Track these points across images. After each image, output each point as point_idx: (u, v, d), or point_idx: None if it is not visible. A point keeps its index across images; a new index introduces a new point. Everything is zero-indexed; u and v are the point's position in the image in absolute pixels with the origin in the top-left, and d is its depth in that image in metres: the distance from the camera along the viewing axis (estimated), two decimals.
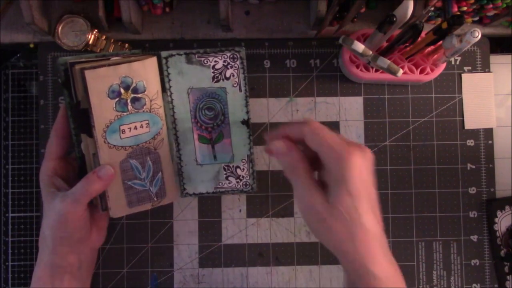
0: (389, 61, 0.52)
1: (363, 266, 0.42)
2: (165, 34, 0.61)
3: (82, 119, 0.50)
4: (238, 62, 0.54)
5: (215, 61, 0.53)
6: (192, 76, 0.54)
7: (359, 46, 0.51)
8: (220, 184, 0.56)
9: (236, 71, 0.54)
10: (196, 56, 0.53)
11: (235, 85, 0.54)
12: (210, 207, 0.61)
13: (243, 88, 0.54)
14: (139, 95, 0.51)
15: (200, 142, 0.55)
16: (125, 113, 0.51)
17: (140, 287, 0.60)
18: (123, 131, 0.51)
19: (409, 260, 0.61)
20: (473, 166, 0.61)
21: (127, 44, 0.60)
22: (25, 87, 0.62)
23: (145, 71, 0.51)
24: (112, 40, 0.60)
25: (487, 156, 0.62)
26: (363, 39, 0.58)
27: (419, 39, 0.53)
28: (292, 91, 0.61)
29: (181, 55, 0.53)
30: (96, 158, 0.51)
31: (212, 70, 0.54)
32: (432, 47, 0.56)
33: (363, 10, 0.60)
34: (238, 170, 0.56)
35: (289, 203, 0.60)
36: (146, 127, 0.52)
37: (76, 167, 0.54)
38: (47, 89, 0.60)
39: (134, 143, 0.52)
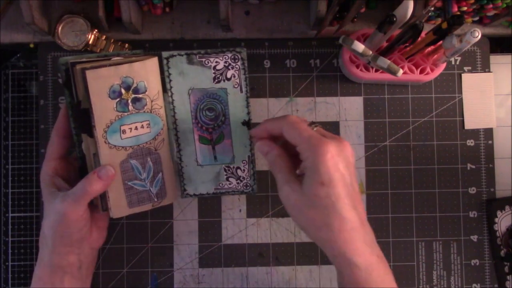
0: (389, 61, 0.52)
1: (342, 254, 0.43)
2: (165, 34, 0.61)
3: (83, 119, 0.50)
4: (239, 63, 0.54)
5: (216, 62, 0.53)
6: (193, 76, 0.53)
7: (359, 46, 0.51)
8: (221, 185, 0.56)
9: (237, 71, 0.54)
10: (197, 56, 0.53)
11: (236, 86, 0.54)
12: (210, 207, 0.61)
13: (244, 89, 0.54)
14: (140, 96, 0.51)
15: (200, 143, 0.55)
16: (125, 113, 0.51)
17: (140, 287, 0.60)
18: (124, 132, 0.51)
19: (409, 260, 0.61)
20: (473, 166, 0.62)
21: (127, 44, 0.60)
22: (25, 87, 0.62)
23: (146, 72, 0.51)
24: (112, 40, 0.60)
25: (487, 156, 0.62)
26: (363, 39, 0.58)
27: (419, 39, 0.53)
28: (292, 91, 0.61)
29: (182, 55, 0.53)
30: (96, 158, 0.51)
31: (213, 71, 0.54)
32: (432, 47, 0.56)
33: (363, 10, 0.60)
34: (239, 171, 0.56)
35: None
36: (147, 127, 0.52)
37: (77, 167, 0.54)
38: (47, 89, 0.60)
39: (135, 144, 0.52)
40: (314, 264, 0.60)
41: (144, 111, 0.52)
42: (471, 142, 0.62)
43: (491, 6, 0.56)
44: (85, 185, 0.49)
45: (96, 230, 0.54)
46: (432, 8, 0.52)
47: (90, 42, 0.59)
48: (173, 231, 0.60)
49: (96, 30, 0.59)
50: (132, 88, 0.51)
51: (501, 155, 0.62)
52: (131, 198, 0.53)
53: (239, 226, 0.61)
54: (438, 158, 0.61)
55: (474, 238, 0.61)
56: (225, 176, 0.56)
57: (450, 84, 0.62)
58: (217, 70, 0.54)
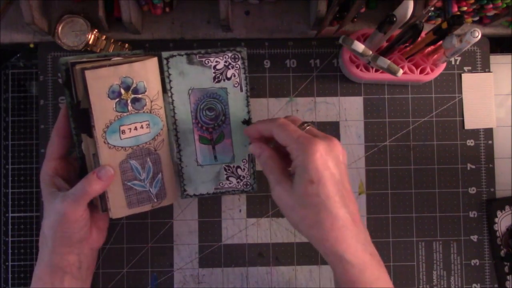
0: (389, 61, 0.52)
1: (334, 252, 0.43)
2: (165, 34, 0.61)
3: (82, 119, 0.50)
4: (239, 62, 0.54)
5: (216, 62, 0.53)
6: (193, 76, 0.53)
7: (359, 46, 0.51)
8: (221, 184, 0.56)
9: (237, 71, 0.54)
10: (197, 56, 0.53)
11: (236, 85, 0.54)
12: (210, 207, 0.61)
13: (244, 88, 0.54)
14: (140, 96, 0.51)
15: (200, 143, 0.55)
16: (125, 114, 0.51)
17: (140, 287, 0.60)
18: (123, 132, 0.51)
19: (409, 260, 0.61)
20: (473, 166, 0.62)
21: (127, 44, 0.60)
22: (25, 87, 0.62)
23: (145, 72, 0.51)
24: (112, 40, 0.60)
25: (487, 156, 0.62)
26: (363, 39, 0.58)
27: (419, 39, 0.53)
28: (292, 91, 0.61)
29: (182, 55, 0.53)
30: (96, 159, 0.51)
31: (213, 71, 0.53)
32: (432, 47, 0.56)
33: (363, 10, 0.60)
34: (239, 170, 0.56)
35: None
36: (147, 127, 0.52)
37: (77, 167, 0.54)
38: (47, 89, 0.60)
39: (134, 144, 0.52)
40: (314, 264, 0.60)
41: (144, 112, 0.52)
42: (471, 142, 0.62)
43: (491, 6, 0.56)
44: (85, 185, 0.49)
45: (96, 230, 0.54)
46: (432, 8, 0.52)
47: (90, 42, 0.59)
48: (173, 231, 0.60)
49: (96, 30, 0.59)
50: (132, 88, 0.51)
51: (501, 155, 0.62)
52: (130, 198, 0.53)
53: (239, 226, 0.61)
54: (438, 158, 0.61)
55: (474, 238, 0.61)
56: (225, 176, 0.56)
57: (450, 84, 0.62)
58: (217, 69, 0.53)
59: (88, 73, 0.48)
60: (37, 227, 0.61)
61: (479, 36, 0.48)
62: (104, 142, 0.50)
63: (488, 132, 0.62)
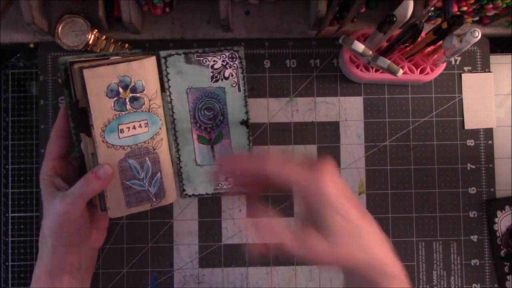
0: (389, 61, 0.52)
1: (379, 269, 0.42)
2: (165, 34, 0.61)
3: (81, 118, 0.50)
4: (237, 62, 0.54)
5: (214, 61, 0.53)
6: (191, 75, 0.54)
7: (359, 46, 0.51)
8: (220, 185, 0.56)
9: (235, 70, 0.54)
10: (195, 55, 0.53)
11: (234, 85, 0.54)
12: (210, 207, 0.61)
13: (242, 88, 0.54)
14: (138, 95, 0.51)
15: (199, 143, 0.55)
16: (123, 113, 0.51)
17: (140, 287, 0.60)
18: (122, 131, 0.51)
19: (409, 260, 0.61)
20: (473, 166, 0.61)
21: (127, 44, 0.60)
22: (25, 87, 0.62)
23: (144, 71, 0.51)
24: (112, 40, 0.60)
25: (487, 156, 0.61)
26: (363, 39, 0.58)
27: (419, 39, 0.53)
28: (292, 91, 0.61)
29: (180, 54, 0.53)
30: (95, 158, 0.51)
31: (211, 70, 0.53)
32: (432, 47, 0.56)
33: (363, 10, 0.60)
34: None
35: (289, 203, 0.60)
36: (145, 126, 0.52)
37: (77, 166, 0.54)
38: (47, 89, 0.60)
39: (133, 143, 0.52)
40: (314, 264, 0.60)
41: (142, 110, 0.52)
42: (471, 142, 0.61)
43: (491, 6, 0.56)
44: (83, 184, 0.49)
45: (96, 230, 0.54)
46: (432, 8, 0.52)
47: (90, 42, 0.59)
48: (173, 231, 0.60)
49: (96, 30, 0.59)
50: (130, 87, 0.50)
51: (501, 155, 0.62)
52: (129, 198, 0.53)
53: (239, 226, 0.60)
54: (438, 158, 0.61)
55: (474, 238, 0.61)
56: (224, 176, 0.56)
57: (450, 84, 0.62)
58: (215, 69, 0.53)
59: (86, 72, 0.48)
60: (37, 227, 0.61)
61: (479, 36, 0.48)
62: (103, 141, 0.50)
63: (488, 132, 0.62)
